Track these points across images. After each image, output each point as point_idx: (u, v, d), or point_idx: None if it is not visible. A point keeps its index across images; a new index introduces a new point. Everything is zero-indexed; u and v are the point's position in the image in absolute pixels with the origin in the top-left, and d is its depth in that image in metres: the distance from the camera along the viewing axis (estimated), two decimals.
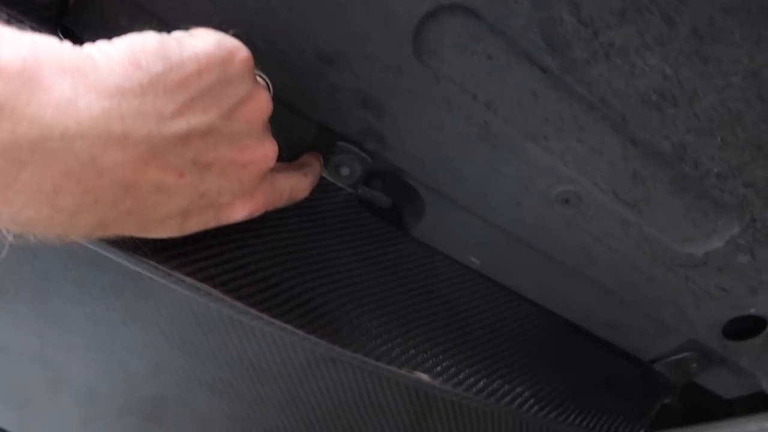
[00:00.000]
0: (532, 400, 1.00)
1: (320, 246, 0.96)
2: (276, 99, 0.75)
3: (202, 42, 0.60)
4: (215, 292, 0.79)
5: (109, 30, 0.63)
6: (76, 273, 1.35)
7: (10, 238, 0.51)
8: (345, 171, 1.02)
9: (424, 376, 0.94)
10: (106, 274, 1.32)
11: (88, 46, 0.53)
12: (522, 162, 0.96)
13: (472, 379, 0.97)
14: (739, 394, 1.32)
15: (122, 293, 1.34)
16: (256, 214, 0.73)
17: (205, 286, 0.78)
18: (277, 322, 0.82)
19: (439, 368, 0.95)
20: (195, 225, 0.67)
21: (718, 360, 1.26)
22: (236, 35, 0.67)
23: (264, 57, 0.84)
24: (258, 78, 0.73)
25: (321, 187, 1.02)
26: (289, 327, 0.83)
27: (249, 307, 0.79)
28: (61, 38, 0.50)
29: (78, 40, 0.55)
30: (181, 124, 0.57)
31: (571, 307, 1.18)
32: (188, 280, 0.77)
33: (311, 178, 0.90)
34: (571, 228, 1.03)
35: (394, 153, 0.97)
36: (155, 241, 0.70)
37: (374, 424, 1.30)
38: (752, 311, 1.08)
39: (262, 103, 0.68)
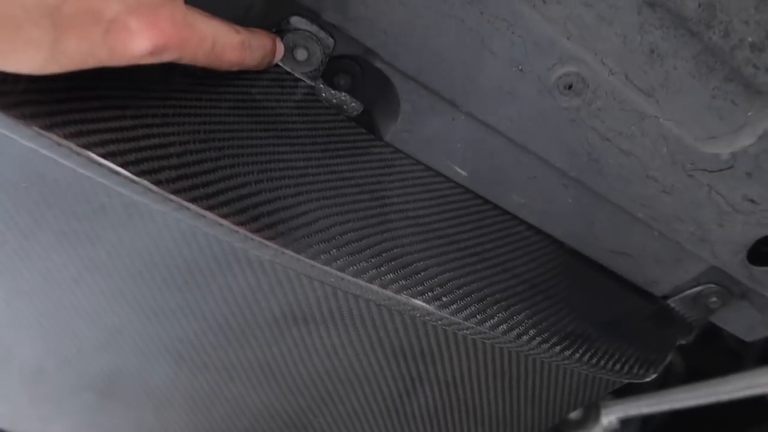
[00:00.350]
0: (532, 331, 0.83)
1: (270, 146, 0.78)
2: None
3: None
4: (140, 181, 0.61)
5: None
6: (21, 219, 1.17)
7: None
8: (301, 54, 0.84)
9: (417, 301, 0.76)
10: (55, 215, 1.14)
11: None
12: (516, 35, 0.78)
13: (462, 303, 0.79)
14: (763, 335, 1.16)
15: (73, 238, 1.17)
16: (166, 53, 0.56)
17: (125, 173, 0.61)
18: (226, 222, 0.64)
19: (430, 293, 0.77)
20: (75, 48, 0.49)
21: (740, 294, 1.10)
22: None
23: None
24: None
25: (273, 77, 0.85)
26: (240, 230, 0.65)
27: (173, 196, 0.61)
28: None
29: None
30: None
31: (571, 229, 1.01)
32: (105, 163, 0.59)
33: (255, 49, 0.73)
34: (575, 124, 0.86)
35: (358, 26, 0.79)
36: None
37: (358, 391, 1.12)
38: None
39: None
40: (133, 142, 0.60)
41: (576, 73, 0.81)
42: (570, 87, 0.83)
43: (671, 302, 1.12)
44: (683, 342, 1.12)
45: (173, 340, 1.28)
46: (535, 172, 0.94)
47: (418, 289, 0.72)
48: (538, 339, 0.84)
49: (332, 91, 0.93)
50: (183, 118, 0.67)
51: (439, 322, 0.73)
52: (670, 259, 1.04)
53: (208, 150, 0.66)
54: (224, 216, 0.61)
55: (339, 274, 0.66)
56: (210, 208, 0.61)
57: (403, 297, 0.70)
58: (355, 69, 0.94)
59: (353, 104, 0.94)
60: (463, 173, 0.95)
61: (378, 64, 0.85)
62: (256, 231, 0.62)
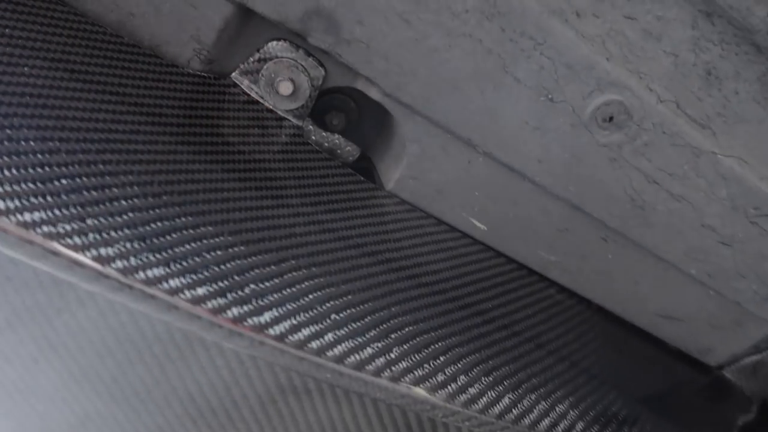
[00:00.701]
0: (580, 425, 0.66)
1: (246, 199, 0.62)
2: None
3: None
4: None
5: None
6: None
7: None
8: (285, 88, 0.70)
9: (419, 390, 0.59)
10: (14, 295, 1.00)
11: None
12: (545, 56, 0.65)
13: (494, 394, 0.62)
14: None
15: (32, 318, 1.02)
16: None
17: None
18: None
19: (453, 385, 0.59)
20: None
21: None
22: None
23: None
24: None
25: (253, 115, 0.70)
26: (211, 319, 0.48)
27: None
28: None
29: None
30: None
31: (611, 291, 0.85)
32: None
33: None
34: (617, 164, 0.71)
35: (353, 50, 0.65)
36: None
37: None
38: None
39: None
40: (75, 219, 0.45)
41: (618, 101, 0.67)
42: (610, 119, 0.68)
43: (727, 372, 0.95)
44: (743, 420, 0.95)
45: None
46: (568, 224, 0.79)
47: (439, 380, 0.55)
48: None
49: (323, 133, 0.78)
50: (129, 166, 0.52)
51: (466, 423, 0.56)
52: (727, 323, 0.88)
53: (165, 214, 0.50)
54: (192, 303, 0.45)
55: (336, 367, 0.50)
56: (171, 293, 0.45)
57: (418, 393, 0.53)
58: (350, 106, 0.80)
59: (348, 148, 0.79)
60: (482, 227, 0.79)
61: (377, 97, 0.71)
62: (233, 322, 0.46)
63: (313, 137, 0.77)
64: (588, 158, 0.71)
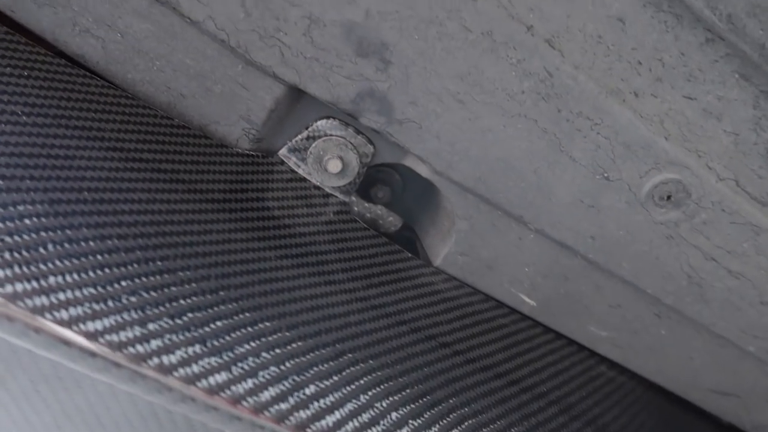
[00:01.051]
0: None
1: (303, 287, 0.60)
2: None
3: None
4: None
5: None
6: None
7: None
8: (334, 166, 0.69)
9: None
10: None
11: None
12: (601, 136, 0.63)
13: None
14: None
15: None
16: None
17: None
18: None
19: None
20: None
21: None
22: None
23: None
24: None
25: (300, 194, 0.69)
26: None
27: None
28: None
29: None
30: None
31: (664, 367, 0.82)
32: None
33: None
34: (673, 242, 0.69)
35: (405, 130, 0.64)
36: None
37: None
38: None
39: None
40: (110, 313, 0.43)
41: (676, 180, 0.65)
42: (668, 197, 0.66)
43: None
44: None
45: None
46: (620, 300, 0.76)
47: None
48: None
49: (366, 205, 0.77)
50: (185, 261, 0.50)
51: None
52: None
53: (224, 312, 0.49)
54: (255, 412, 0.43)
55: None
56: (234, 402, 0.43)
57: None
58: (395, 178, 0.79)
59: (390, 218, 0.78)
60: (531, 302, 0.77)
61: (427, 174, 0.69)
62: (295, 429, 0.44)
63: (356, 208, 0.76)
64: (643, 235, 0.69)
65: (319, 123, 0.68)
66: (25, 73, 0.56)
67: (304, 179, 0.70)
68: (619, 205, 0.68)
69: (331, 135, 0.68)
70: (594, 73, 0.60)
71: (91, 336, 0.40)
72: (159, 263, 0.49)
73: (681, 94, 0.62)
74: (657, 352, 0.80)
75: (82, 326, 0.41)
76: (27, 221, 0.44)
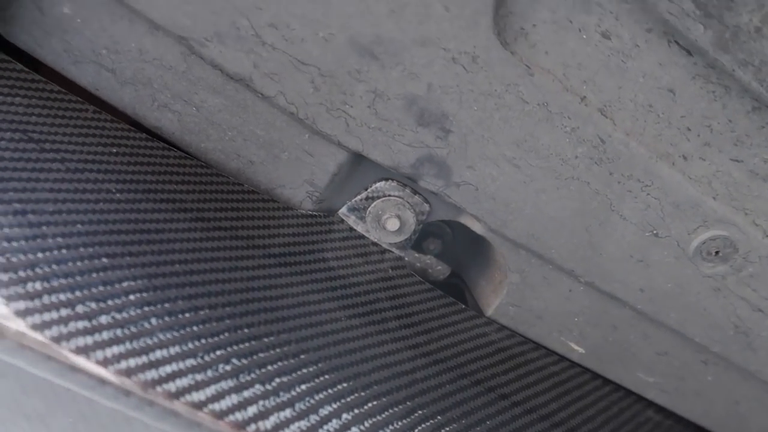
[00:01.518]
0: None
1: (361, 337, 0.64)
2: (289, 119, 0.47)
3: None
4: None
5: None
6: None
7: None
8: (392, 224, 0.73)
9: None
10: None
11: None
12: (651, 197, 0.66)
13: None
14: None
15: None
16: None
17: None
18: None
19: None
20: None
21: None
22: None
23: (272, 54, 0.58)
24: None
25: (359, 251, 0.73)
26: None
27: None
28: None
29: None
30: None
31: (711, 412, 0.84)
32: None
33: None
34: (721, 294, 0.72)
35: (462, 192, 0.68)
36: None
37: None
38: None
39: None
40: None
41: (724, 236, 0.68)
42: (716, 253, 0.69)
43: None
44: None
45: None
46: (668, 347, 0.79)
47: None
48: None
49: (416, 255, 0.80)
50: (269, 327, 0.54)
51: None
52: None
53: (306, 376, 0.52)
54: None
55: None
56: None
57: None
58: (446, 232, 0.82)
59: (439, 267, 0.81)
60: (580, 350, 0.80)
61: (481, 232, 0.73)
62: None
63: (407, 258, 0.79)
64: (691, 288, 0.72)
65: (378, 184, 0.72)
66: (114, 150, 0.60)
67: (362, 236, 0.74)
68: (668, 260, 0.70)
69: (389, 195, 0.72)
70: (644, 139, 0.63)
71: (197, 406, 0.44)
72: (246, 330, 0.52)
73: (728, 157, 0.65)
74: (703, 398, 0.82)
75: (188, 397, 0.44)
76: (132, 297, 0.48)
